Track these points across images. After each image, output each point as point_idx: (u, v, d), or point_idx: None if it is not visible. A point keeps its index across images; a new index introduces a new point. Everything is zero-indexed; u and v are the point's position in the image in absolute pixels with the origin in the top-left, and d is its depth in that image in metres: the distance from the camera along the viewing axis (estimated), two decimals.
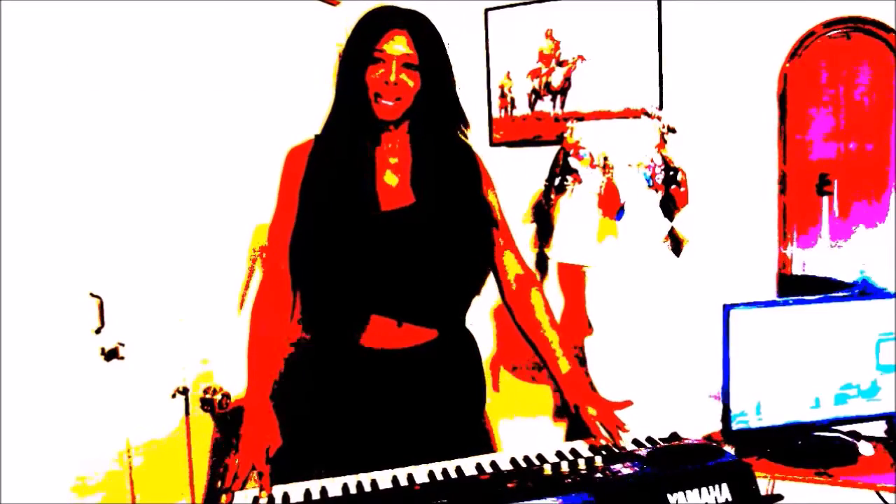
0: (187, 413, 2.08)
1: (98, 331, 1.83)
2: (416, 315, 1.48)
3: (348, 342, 1.48)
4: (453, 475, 1.31)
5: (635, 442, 1.42)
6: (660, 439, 1.42)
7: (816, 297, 2.13)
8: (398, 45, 1.40)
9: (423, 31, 1.43)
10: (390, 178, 1.50)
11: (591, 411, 1.46)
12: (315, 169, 1.48)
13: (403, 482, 1.28)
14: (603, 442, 1.42)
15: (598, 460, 1.28)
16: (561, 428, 2.71)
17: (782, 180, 2.39)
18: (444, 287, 1.50)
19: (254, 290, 1.55)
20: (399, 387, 1.50)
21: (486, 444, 1.63)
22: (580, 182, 2.21)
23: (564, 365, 1.52)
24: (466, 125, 1.53)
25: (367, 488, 1.26)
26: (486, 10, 2.76)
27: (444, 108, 1.49)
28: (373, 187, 1.47)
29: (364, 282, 1.44)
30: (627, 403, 1.47)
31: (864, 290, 2.21)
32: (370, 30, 1.42)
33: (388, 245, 1.44)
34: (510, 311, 1.61)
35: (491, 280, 1.59)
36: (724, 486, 1.21)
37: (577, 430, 1.50)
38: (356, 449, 1.46)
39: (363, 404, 1.49)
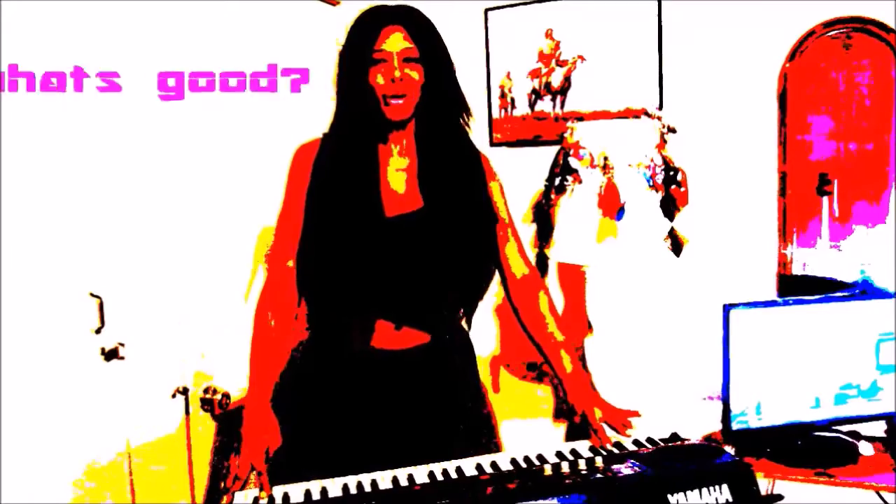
0: (187, 413, 2.07)
1: (98, 331, 1.83)
2: (418, 319, 1.49)
3: (352, 345, 1.48)
4: (454, 475, 1.31)
5: (635, 442, 1.42)
6: (660, 440, 1.42)
7: (816, 297, 2.13)
8: (396, 40, 1.39)
9: (418, 24, 1.42)
10: (397, 184, 1.49)
11: (598, 413, 1.45)
12: (322, 174, 1.47)
13: (404, 482, 1.28)
14: (609, 445, 1.41)
15: (599, 461, 1.28)
16: (561, 428, 2.71)
17: (782, 180, 2.39)
18: (453, 290, 1.50)
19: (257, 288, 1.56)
20: (399, 388, 1.50)
21: (489, 440, 1.63)
22: (580, 182, 2.21)
23: (568, 365, 1.52)
24: (469, 114, 1.52)
25: (368, 489, 1.26)
26: (486, 10, 2.76)
27: (448, 97, 1.47)
28: (378, 193, 1.46)
29: (371, 288, 1.44)
30: (635, 413, 1.46)
31: (864, 290, 2.21)
32: (365, 31, 1.40)
33: (396, 251, 1.44)
34: (515, 310, 1.60)
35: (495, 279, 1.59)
36: (725, 486, 1.21)
37: (576, 430, 1.50)
38: (355, 450, 1.46)
39: (363, 406, 1.49)
